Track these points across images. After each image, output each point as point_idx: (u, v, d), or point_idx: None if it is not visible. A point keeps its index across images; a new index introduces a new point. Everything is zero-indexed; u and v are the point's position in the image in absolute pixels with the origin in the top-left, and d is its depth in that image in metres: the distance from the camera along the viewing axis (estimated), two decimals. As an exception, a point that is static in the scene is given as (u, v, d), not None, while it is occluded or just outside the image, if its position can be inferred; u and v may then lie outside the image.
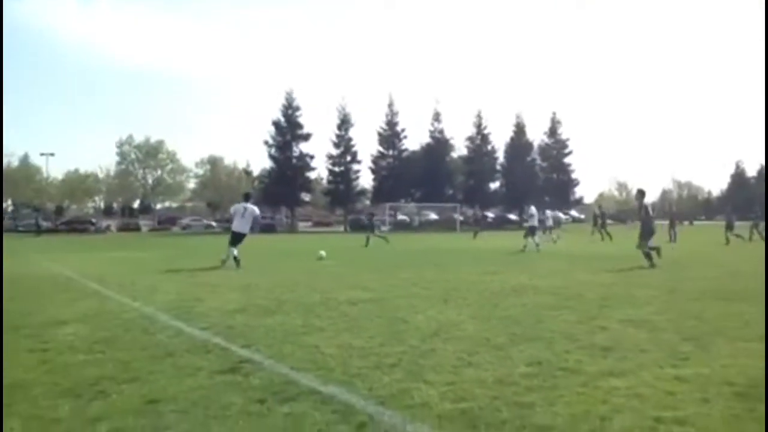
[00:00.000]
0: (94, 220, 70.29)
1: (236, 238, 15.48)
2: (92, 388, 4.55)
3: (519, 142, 75.86)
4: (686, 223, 70.48)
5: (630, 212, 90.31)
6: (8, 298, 9.80)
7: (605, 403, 4.11)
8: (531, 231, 22.92)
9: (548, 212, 30.52)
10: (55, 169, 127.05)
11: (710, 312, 7.74)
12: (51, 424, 3.81)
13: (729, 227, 27.87)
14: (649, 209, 15.43)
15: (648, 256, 14.54)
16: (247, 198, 16.34)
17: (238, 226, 15.55)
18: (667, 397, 4.23)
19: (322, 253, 18.22)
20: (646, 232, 14.97)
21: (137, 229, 68.81)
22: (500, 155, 75.79)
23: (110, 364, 5.31)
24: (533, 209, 24.26)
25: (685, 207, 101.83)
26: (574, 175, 78.23)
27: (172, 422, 3.81)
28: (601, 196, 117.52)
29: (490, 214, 73.01)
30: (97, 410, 4.07)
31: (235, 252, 15.24)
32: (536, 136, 79.78)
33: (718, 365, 5.01)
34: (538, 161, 77.91)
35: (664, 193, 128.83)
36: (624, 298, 9.21)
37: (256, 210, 16.11)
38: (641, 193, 15.95)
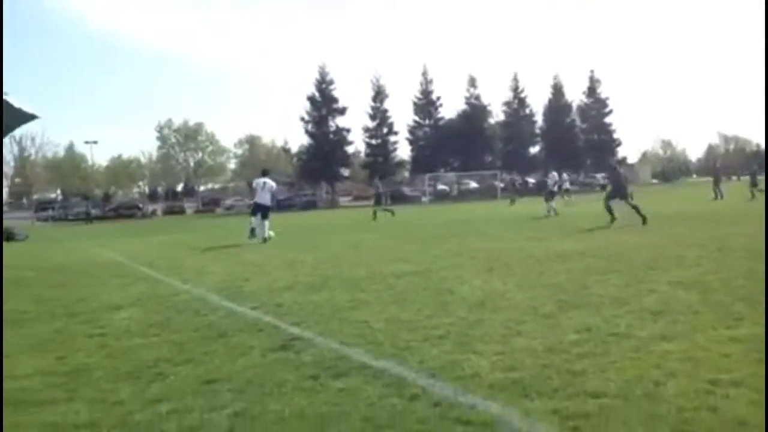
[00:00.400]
0: (140, 205, 71.80)
1: (257, 209, 16.90)
2: (150, 371, 4.69)
3: (557, 104, 74.66)
4: (734, 178, 68.59)
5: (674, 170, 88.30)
6: (63, 285, 10.14)
7: (658, 367, 4.06)
8: (551, 195, 23.75)
9: (564, 175, 30.78)
10: (99, 156, 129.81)
11: (761, 270, 7.54)
12: (114, 407, 3.94)
13: (753, 183, 27.71)
14: (620, 173, 17.83)
15: (609, 210, 16.34)
16: (264, 173, 17.97)
17: (259, 198, 17.06)
18: (722, 359, 4.16)
19: (271, 233, 17.04)
20: (614, 193, 16.99)
21: (182, 211, 69.99)
22: (539, 119, 74.76)
23: (166, 346, 5.45)
24: (554, 174, 25.69)
25: (733, 161, 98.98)
26: (615, 135, 76.82)
27: (228, 401, 3.91)
28: (644, 155, 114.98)
29: (531, 180, 72.25)
30: (157, 392, 4.20)
31: (254, 222, 16.69)
32: (575, 96, 78.37)
33: (774, 324, 4.91)
34: (578, 122, 76.60)
35: (710, 149, 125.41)
36: (672, 259, 9.05)
37: (274, 185, 17.91)
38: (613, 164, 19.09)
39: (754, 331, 4.74)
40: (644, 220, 15.20)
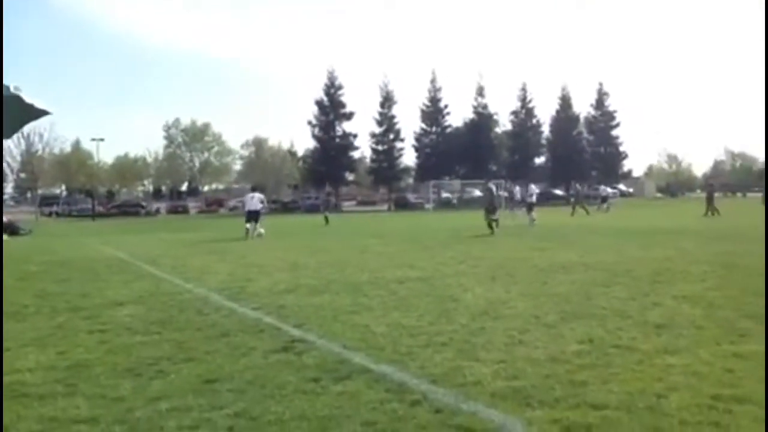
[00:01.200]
0: (144, 203, 71.85)
1: (250, 215, 21.33)
2: (151, 368, 4.69)
3: (565, 115, 74.50)
4: (739, 194, 68.41)
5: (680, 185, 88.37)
6: (66, 281, 10.16)
7: (661, 380, 4.04)
8: (530, 207, 25.30)
9: (533, 187, 31.65)
10: (105, 154, 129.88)
11: None
12: (114, 403, 3.93)
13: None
14: (493, 191, 20.84)
15: (489, 226, 18.83)
16: (254, 189, 23.11)
17: (250, 206, 21.68)
18: (726, 374, 4.14)
19: (261, 231, 20.81)
20: (489, 209, 19.68)
21: (186, 211, 70.00)
22: (545, 129, 74.67)
23: (167, 344, 5.45)
24: (533, 187, 28.78)
25: (738, 178, 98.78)
26: (622, 148, 76.67)
27: (229, 401, 3.90)
28: (650, 169, 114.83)
29: (536, 190, 72.15)
30: (157, 389, 4.19)
31: (248, 226, 20.88)
32: (583, 108, 78.10)
33: (779, 342, 4.88)
34: (585, 134, 76.45)
35: (717, 164, 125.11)
36: (677, 273, 9.03)
37: (262, 196, 22.62)
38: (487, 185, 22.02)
39: (758, 348, 4.71)
40: (492, 232, 18.34)
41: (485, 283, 8.56)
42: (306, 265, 11.55)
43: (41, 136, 69.86)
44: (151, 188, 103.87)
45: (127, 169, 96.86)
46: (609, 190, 48.24)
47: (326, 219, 28.98)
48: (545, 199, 64.46)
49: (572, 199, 38.71)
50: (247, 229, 20.70)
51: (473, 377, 4.23)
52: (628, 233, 17.76)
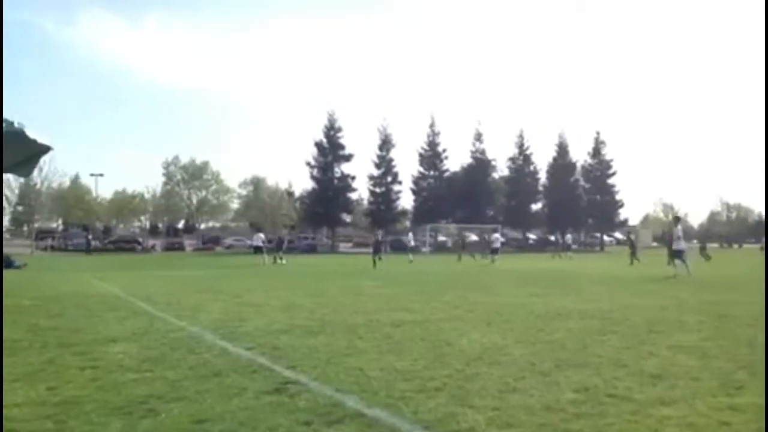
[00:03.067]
0: (140, 240, 71.73)
1: (256, 249, 33.92)
2: (142, 406, 4.63)
3: (562, 162, 75.26)
4: (735, 246, 68.59)
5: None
6: (59, 315, 10.09)
7: (657, 432, 4.01)
8: (494, 251, 33.10)
9: (496, 235, 38.67)
10: (104, 189, 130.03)
11: (763, 338, 7.50)
12: (103, 442, 3.88)
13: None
14: (463, 236, 27.58)
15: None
16: (258, 230, 38.33)
17: (255, 242, 35.20)
18: (722, 427, 4.11)
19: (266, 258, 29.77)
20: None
21: (182, 248, 69.88)
22: (542, 176, 75.28)
23: (159, 382, 5.39)
24: (498, 234, 37.57)
25: (735, 230, 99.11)
26: (618, 197, 77.17)
27: (220, 442, 3.85)
28: (646, 217, 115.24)
29: (532, 236, 72.43)
30: (147, 428, 4.14)
31: (257, 256, 32.45)
32: (579, 156, 78.93)
33: (775, 395, 4.85)
34: (581, 182, 77.07)
35: (712, 215, 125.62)
36: (672, 323, 9.00)
37: (263, 235, 35.15)
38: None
39: (754, 401, 4.69)
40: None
41: (481, 328, 8.52)
42: (301, 305, 11.50)
43: (41, 169, 69.66)
44: (147, 224, 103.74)
45: (125, 204, 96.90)
46: (570, 237, 53.33)
47: (274, 259, 32.69)
48: (542, 245, 64.82)
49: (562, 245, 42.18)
50: (262, 254, 32.25)
51: (467, 424, 4.19)
52: (624, 281, 17.75)
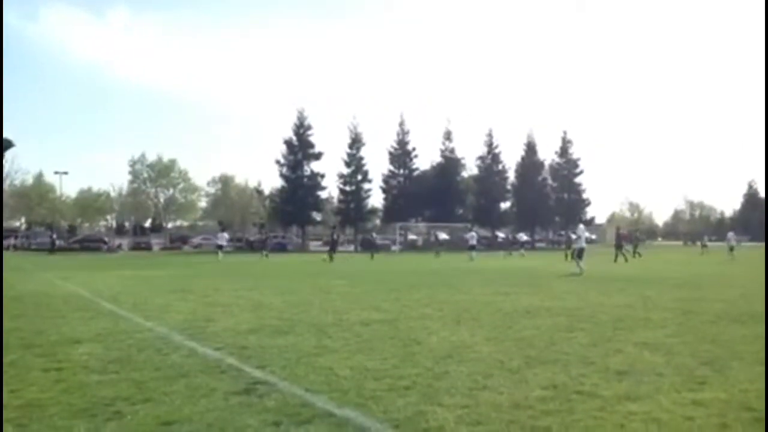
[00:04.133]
0: (106, 239, 70.57)
1: (219, 248, 38.22)
2: (107, 409, 4.56)
3: (530, 161, 76.02)
4: (698, 243, 69.88)
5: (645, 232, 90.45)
6: (21, 316, 9.87)
7: (622, 428, 4.07)
8: (472, 248, 35.59)
9: (473, 233, 40.16)
10: (68, 188, 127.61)
11: (726, 335, 7.68)
12: (67, 445, 3.81)
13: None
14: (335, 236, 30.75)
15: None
16: (223, 229, 44.46)
17: (219, 241, 40.06)
18: (685, 422, 4.18)
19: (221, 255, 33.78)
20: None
21: (149, 248, 68.98)
22: (511, 175, 75.94)
23: (124, 384, 5.31)
24: (473, 233, 38.49)
25: (698, 227, 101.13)
26: (585, 195, 78.27)
27: (187, 444, 3.80)
28: (612, 216, 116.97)
29: (501, 234, 73.04)
30: (113, 431, 4.07)
31: (220, 254, 36.86)
32: (547, 155, 79.92)
33: (737, 390, 4.96)
34: (549, 181, 77.95)
35: (677, 214, 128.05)
36: (638, 320, 9.15)
37: (226, 234, 41.24)
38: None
39: (717, 396, 4.79)
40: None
41: (450, 327, 8.56)
42: (270, 305, 11.42)
43: (2, 166, 68.54)
44: (114, 224, 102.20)
45: (90, 203, 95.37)
46: (522, 235, 55.62)
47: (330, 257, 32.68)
48: (511, 243, 65.36)
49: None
50: (219, 254, 36.79)
51: (436, 422, 4.20)
52: (591, 279, 17.98)
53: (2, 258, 13.21)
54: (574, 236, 23.50)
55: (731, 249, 37.14)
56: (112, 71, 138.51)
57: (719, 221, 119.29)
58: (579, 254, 21.69)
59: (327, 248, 34.13)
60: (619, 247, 32.46)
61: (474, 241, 37.32)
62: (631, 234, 44.91)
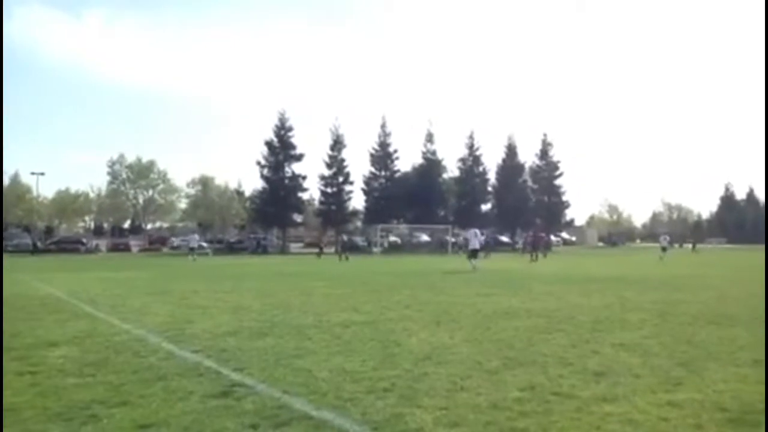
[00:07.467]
0: (84, 240, 69.84)
1: (191, 249, 39.24)
2: (83, 412, 4.51)
3: (510, 163, 76.37)
4: (676, 245, 70.74)
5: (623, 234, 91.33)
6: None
7: (599, 429, 4.11)
8: (473, 253, 28.55)
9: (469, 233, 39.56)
10: (45, 188, 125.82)
11: (702, 336, 7.78)
12: (41, 450, 3.76)
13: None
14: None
15: None
16: (192, 231, 43.78)
17: (192, 244, 40.33)
18: (661, 423, 4.23)
19: (195, 257, 35.41)
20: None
21: (127, 249, 68.40)
22: (492, 177, 76.24)
23: (101, 387, 5.26)
24: (470, 233, 34.44)
25: (676, 229, 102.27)
26: (564, 197, 78.80)
27: (163, 447, 3.78)
28: (592, 218, 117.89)
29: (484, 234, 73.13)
30: (88, 435, 4.03)
31: (191, 256, 37.59)
32: (528, 158, 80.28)
33: (711, 390, 5.03)
34: (530, 183, 78.36)
35: (655, 216, 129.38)
36: (616, 321, 9.23)
37: (197, 236, 42.70)
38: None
39: (692, 396, 4.85)
40: None
41: (430, 328, 8.58)
42: (250, 307, 11.37)
43: (-24, 167, 67.45)
44: (92, 225, 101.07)
45: (68, 204, 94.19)
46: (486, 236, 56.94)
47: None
48: (492, 245, 65.59)
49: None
50: (192, 256, 37.29)
51: (415, 424, 4.21)
52: (570, 281, 18.11)
53: (2, 258, 13.03)
54: (466, 238, 26.19)
55: (663, 249, 37.50)
56: (90, 71, 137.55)
57: (696, 223, 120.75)
58: (473, 254, 24.74)
59: (340, 250, 36.63)
60: (535, 248, 36.71)
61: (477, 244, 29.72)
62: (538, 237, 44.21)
